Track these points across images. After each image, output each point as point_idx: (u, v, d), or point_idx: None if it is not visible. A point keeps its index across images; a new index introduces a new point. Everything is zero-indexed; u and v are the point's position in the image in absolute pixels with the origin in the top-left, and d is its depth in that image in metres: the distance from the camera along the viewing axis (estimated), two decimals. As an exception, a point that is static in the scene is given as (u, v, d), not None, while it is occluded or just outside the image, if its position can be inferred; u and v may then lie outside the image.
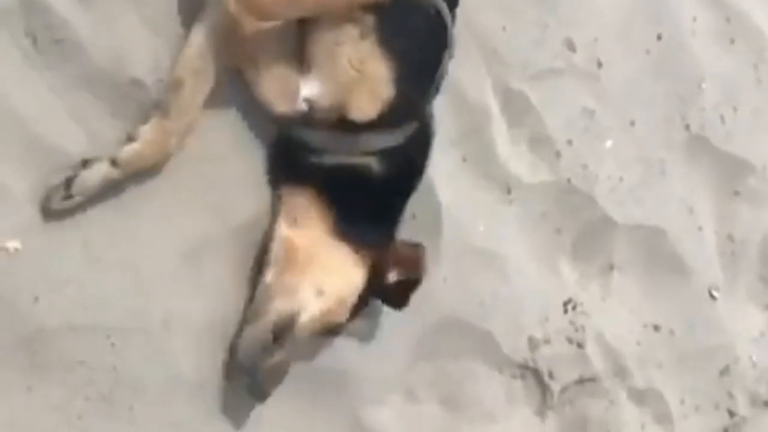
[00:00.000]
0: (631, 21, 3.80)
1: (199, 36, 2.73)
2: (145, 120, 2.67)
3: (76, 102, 2.67)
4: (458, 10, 3.14)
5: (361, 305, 2.90)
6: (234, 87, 2.85)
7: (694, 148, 3.94)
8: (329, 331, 2.87)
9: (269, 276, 2.75)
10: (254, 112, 2.87)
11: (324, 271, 2.79)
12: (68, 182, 2.57)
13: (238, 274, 2.90)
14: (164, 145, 2.68)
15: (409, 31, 2.72)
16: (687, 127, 3.91)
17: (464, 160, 3.37)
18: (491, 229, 3.34)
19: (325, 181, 2.82)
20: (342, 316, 2.84)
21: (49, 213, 2.58)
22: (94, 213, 2.66)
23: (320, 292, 2.76)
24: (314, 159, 2.84)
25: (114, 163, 2.61)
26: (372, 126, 2.77)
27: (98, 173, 2.60)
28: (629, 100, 3.77)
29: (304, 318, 2.73)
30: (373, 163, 2.85)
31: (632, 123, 3.76)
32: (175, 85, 2.69)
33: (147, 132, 2.65)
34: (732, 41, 4.10)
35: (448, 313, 3.25)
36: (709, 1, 4.05)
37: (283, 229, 2.81)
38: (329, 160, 2.85)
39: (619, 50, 3.75)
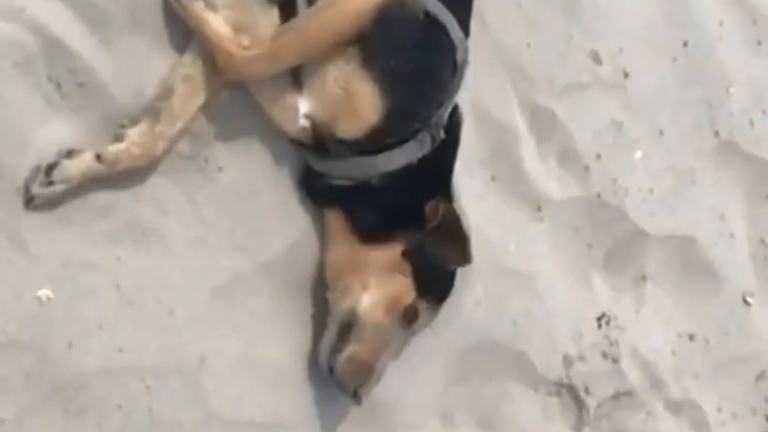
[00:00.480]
0: (656, 29, 3.72)
1: (194, 46, 2.70)
2: (134, 123, 2.62)
3: (100, 144, 2.61)
4: (482, 31, 3.10)
5: (422, 282, 2.85)
6: (257, 123, 2.80)
7: (723, 154, 3.87)
8: (408, 316, 2.83)
9: (328, 293, 2.86)
10: (278, 148, 2.86)
11: (365, 269, 2.82)
12: (49, 168, 2.51)
13: (270, 308, 2.89)
14: (151, 149, 2.63)
15: (394, 44, 2.66)
16: (716, 133, 3.84)
17: (493, 179, 3.32)
18: (522, 248, 3.28)
19: (341, 200, 2.85)
20: (405, 296, 2.83)
21: (29, 199, 2.51)
22: (125, 255, 2.62)
23: (365, 285, 2.80)
24: (328, 182, 2.85)
25: (99, 157, 2.56)
26: (367, 144, 2.73)
27: (81, 164, 2.54)
28: (657, 110, 3.70)
29: (362, 308, 2.77)
30: (381, 180, 2.82)
31: (661, 132, 3.68)
32: (166, 92, 2.65)
33: (135, 134, 2.60)
34: (759, 43, 4.02)
35: (482, 335, 3.21)
36: (735, 4, 3.96)
37: (326, 250, 2.91)
38: (341, 182, 2.85)
39: (645, 59, 3.68)
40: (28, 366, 2.50)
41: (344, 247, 2.88)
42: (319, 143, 2.79)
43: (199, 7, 2.66)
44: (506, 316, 3.27)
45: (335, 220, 2.89)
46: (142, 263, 2.67)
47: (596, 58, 3.55)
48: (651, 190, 3.64)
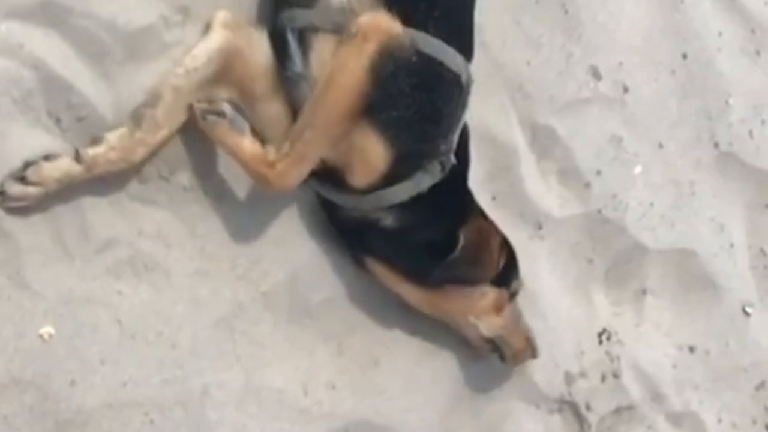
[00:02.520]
0: (655, 42, 3.67)
1: (192, 61, 2.64)
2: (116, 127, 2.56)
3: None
4: (482, 50, 3.05)
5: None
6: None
7: (723, 166, 3.82)
8: (512, 299, 3.05)
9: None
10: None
11: (454, 305, 3.00)
12: (26, 165, 2.47)
13: (271, 337, 2.86)
14: (130, 154, 2.57)
15: (394, 95, 2.61)
16: (716, 145, 3.79)
17: (494, 198, 3.28)
18: (523, 266, 3.22)
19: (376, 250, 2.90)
20: (498, 296, 2.99)
21: (3, 199, 2.46)
22: (126, 289, 2.59)
23: (469, 319, 3.01)
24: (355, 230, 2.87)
25: (77, 158, 2.50)
26: (377, 185, 2.73)
27: (59, 166, 2.49)
28: (657, 123, 3.65)
29: (486, 332, 3.02)
30: (394, 216, 2.82)
31: (661, 146, 3.64)
32: (153, 99, 2.60)
33: (114, 138, 2.55)
34: (758, 53, 3.97)
35: (485, 355, 3.14)
36: (734, 15, 3.90)
37: (402, 297, 3.00)
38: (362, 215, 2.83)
39: (645, 73, 3.62)
40: (31, 403, 2.47)
41: (415, 294, 2.95)
42: (326, 176, 2.77)
43: (225, 131, 2.63)
44: (508, 336, 3.21)
45: (384, 271, 2.92)
46: (143, 297, 2.64)
47: (596, 74, 3.49)
48: (651, 204, 3.59)
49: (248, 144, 2.62)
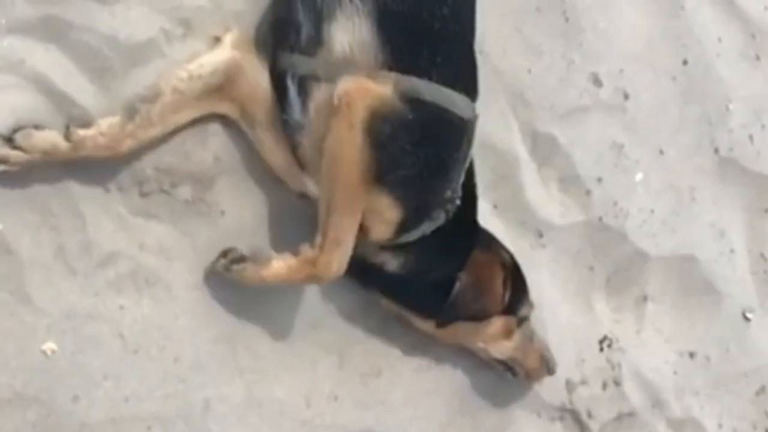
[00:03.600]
0: (655, 48, 3.66)
1: (197, 68, 2.65)
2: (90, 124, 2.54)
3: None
4: (482, 58, 3.04)
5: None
6: (257, 167, 2.77)
7: (723, 171, 3.81)
8: (522, 324, 3.06)
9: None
10: (279, 190, 2.82)
11: (465, 336, 3.04)
12: (15, 129, 2.47)
13: (273, 350, 2.86)
14: (117, 143, 2.56)
15: (397, 154, 2.58)
16: (716, 150, 3.78)
17: (495, 207, 3.28)
18: (525, 275, 3.22)
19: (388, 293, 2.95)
20: (507, 322, 3.02)
21: None
22: (129, 303, 2.58)
23: (480, 346, 3.07)
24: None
25: (66, 135, 2.49)
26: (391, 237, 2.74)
27: (47, 137, 2.49)
28: (657, 129, 3.64)
29: (498, 356, 3.09)
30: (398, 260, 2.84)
31: (661, 152, 3.63)
32: (151, 96, 2.59)
33: (105, 124, 2.54)
34: (758, 58, 3.96)
35: (485, 366, 3.15)
36: (733, 20, 3.89)
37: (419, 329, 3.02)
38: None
39: (645, 79, 3.61)
40: (35, 419, 2.48)
41: (426, 327, 2.96)
42: None
43: (254, 270, 2.65)
44: (509, 345, 3.21)
45: (395, 308, 2.95)
46: (145, 311, 2.64)
47: (596, 81, 3.49)
48: (652, 211, 3.59)
49: (282, 264, 2.64)
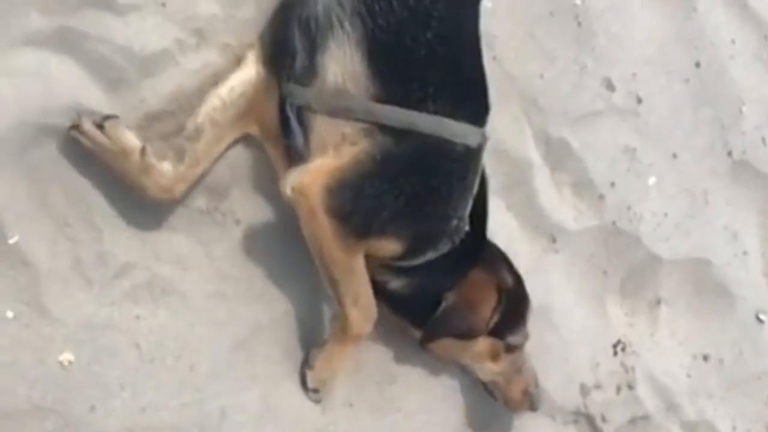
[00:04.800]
0: (669, 51, 3.63)
1: (229, 94, 2.64)
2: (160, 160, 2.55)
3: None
4: (495, 64, 3.02)
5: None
6: (271, 176, 2.75)
7: (737, 174, 3.79)
8: (511, 350, 2.98)
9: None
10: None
11: (455, 351, 2.98)
12: (108, 116, 2.52)
13: (289, 356, 2.85)
14: (173, 186, 2.59)
15: (370, 205, 2.55)
16: (729, 153, 3.76)
17: (508, 211, 3.25)
18: (538, 280, 3.22)
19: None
20: (495, 344, 2.94)
21: (74, 126, 2.50)
22: (145, 313, 2.57)
23: (467, 364, 3.04)
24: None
25: (142, 151, 2.53)
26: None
27: (128, 139, 2.53)
28: (670, 133, 3.62)
29: (483, 377, 3.05)
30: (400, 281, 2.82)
31: (674, 156, 3.61)
32: (195, 134, 2.60)
33: (165, 166, 2.56)
34: (771, 59, 3.92)
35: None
36: (746, 22, 3.86)
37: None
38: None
39: (658, 83, 3.59)
40: (52, 430, 2.48)
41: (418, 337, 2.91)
42: None
43: (323, 370, 2.80)
44: (524, 351, 3.19)
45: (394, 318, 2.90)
46: (161, 320, 2.62)
47: (609, 86, 3.46)
48: (665, 215, 3.57)
49: (333, 349, 2.78)
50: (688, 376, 3.63)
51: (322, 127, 2.56)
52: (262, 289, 2.79)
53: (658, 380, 3.53)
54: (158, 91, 2.63)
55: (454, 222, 2.67)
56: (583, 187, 3.40)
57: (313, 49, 2.54)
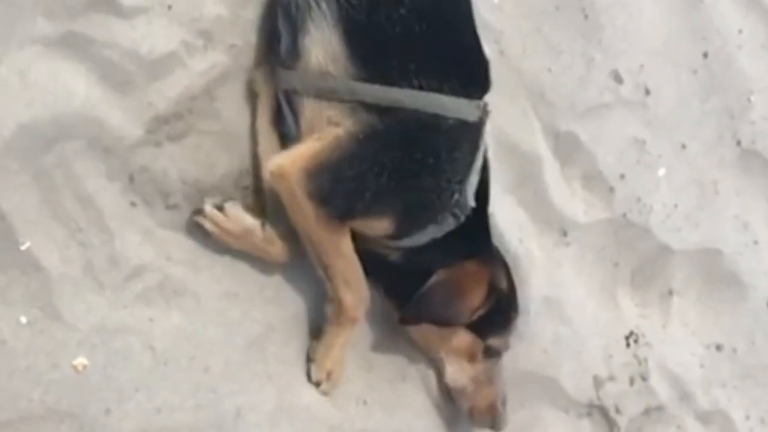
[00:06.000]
0: (676, 42, 3.59)
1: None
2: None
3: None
4: (502, 59, 3.00)
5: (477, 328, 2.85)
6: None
7: (746, 163, 3.76)
8: (491, 354, 2.89)
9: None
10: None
11: (432, 341, 2.92)
12: (225, 199, 2.61)
13: (302, 355, 2.81)
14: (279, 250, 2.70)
15: (351, 187, 2.54)
16: (738, 143, 3.72)
17: (519, 206, 3.21)
18: (549, 274, 3.20)
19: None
20: (475, 343, 2.87)
21: (197, 211, 2.60)
22: (158, 315, 2.55)
23: (441, 359, 2.93)
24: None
25: (263, 227, 2.65)
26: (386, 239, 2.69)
27: (248, 219, 2.64)
28: (679, 124, 3.58)
29: (450, 379, 2.94)
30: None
31: (683, 146, 3.57)
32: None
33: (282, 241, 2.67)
34: (780, 48, 3.87)
35: (512, 365, 3.10)
36: (753, 12, 3.83)
37: None
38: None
39: (666, 74, 3.55)
40: (67, 434, 2.42)
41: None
42: None
43: (324, 364, 2.78)
44: (537, 345, 3.18)
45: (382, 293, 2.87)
46: (174, 322, 2.60)
47: (617, 78, 3.43)
48: (675, 206, 3.53)
49: (332, 335, 2.76)
50: (701, 366, 3.60)
51: (310, 110, 2.56)
52: (274, 290, 2.77)
53: (671, 371, 3.50)
54: (166, 93, 2.60)
55: (450, 194, 2.62)
56: (593, 179, 3.37)
57: (295, 32, 2.55)
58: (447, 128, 2.56)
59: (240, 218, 2.60)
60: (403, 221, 2.60)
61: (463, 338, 2.83)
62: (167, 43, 2.60)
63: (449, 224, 2.66)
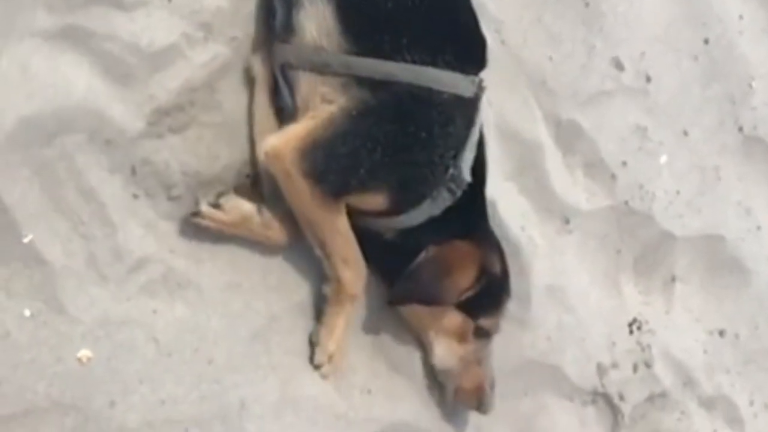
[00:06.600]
0: (677, 28, 3.58)
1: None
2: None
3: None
4: (503, 48, 2.98)
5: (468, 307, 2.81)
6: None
7: (748, 149, 3.74)
8: (481, 334, 2.85)
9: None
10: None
11: (422, 320, 2.87)
12: (220, 194, 2.60)
13: (306, 346, 2.80)
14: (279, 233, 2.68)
15: (350, 157, 2.52)
16: (740, 129, 3.70)
17: (520, 194, 3.19)
18: (552, 262, 3.18)
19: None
20: (465, 323, 2.82)
21: (195, 213, 2.58)
22: (161, 307, 2.53)
23: (430, 338, 2.88)
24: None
25: (259, 212, 2.63)
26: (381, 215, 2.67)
27: (246, 206, 2.63)
28: (681, 110, 3.56)
29: (437, 360, 2.88)
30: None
31: (685, 133, 3.55)
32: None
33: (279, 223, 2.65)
34: (780, 33, 3.85)
35: (516, 354, 3.11)
36: (755, -3, 3.77)
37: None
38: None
39: (667, 61, 3.53)
40: (72, 426, 2.42)
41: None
42: None
43: (328, 343, 2.75)
44: (540, 333, 3.16)
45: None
46: (178, 314, 2.58)
47: (618, 65, 3.41)
48: (677, 192, 3.51)
49: (333, 315, 2.73)
50: (705, 352, 3.59)
51: (305, 86, 2.56)
52: (277, 280, 2.74)
53: (674, 357, 3.48)
54: (167, 85, 2.58)
55: (444, 169, 2.59)
56: (595, 167, 3.36)
57: (290, 6, 2.56)
58: (441, 102, 2.55)
59: (237, 208, 2.59)
60: (397, 196, 2.59)
61: (453, 318, 2.79)
62: (167, 35, 2.58)
63: (445, 200, 2.63)
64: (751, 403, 3.67)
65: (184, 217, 2.58)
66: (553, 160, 3.24)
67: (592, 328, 3.27)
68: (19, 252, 2.36)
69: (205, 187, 2.61)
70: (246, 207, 2.60)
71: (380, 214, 2.64)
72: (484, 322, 2.81)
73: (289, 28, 2.56)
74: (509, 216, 3.11)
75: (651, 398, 3.41)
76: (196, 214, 2.56)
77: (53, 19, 2.44)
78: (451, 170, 2.59)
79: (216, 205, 2.57)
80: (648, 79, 3.46)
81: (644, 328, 3.41)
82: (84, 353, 2.43)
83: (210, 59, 2.63)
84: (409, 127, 2.53)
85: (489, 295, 2.79)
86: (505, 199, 3.10)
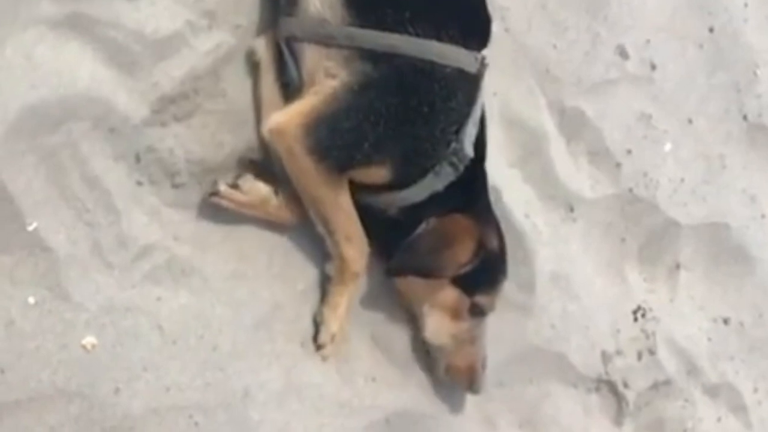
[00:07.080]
0: (682, 16, 3.55)
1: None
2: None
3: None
4: (507, 35, 2.96)
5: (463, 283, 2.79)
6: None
7: (753, 137, 3.72)
8: (476, 311, 2.82)
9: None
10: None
11: (416, 294, 2.85)
12: (238, 175, 2.60)
13: (310, 333, 2.79)
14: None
15: (354, 132, 2.51)
16: (745, 117, 3.68)
17: (525, 182, 3.18)
18: (556, 250, 3.16)
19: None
20: (460, 300, 2.79)
21: (214, 192, 2.59)
22: (166, 295, 2.52)
23: (423, 312, 2.84)
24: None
25: (276, 193, 2.65)
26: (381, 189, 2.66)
27: (262, 188, 2.64)
28: (685, 98, 3.54)
29: (428, 334, 2.84)
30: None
31: (690, 121, 3.53)
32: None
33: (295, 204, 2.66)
34: (785, 21, 3.82)
35: (521, 341, 3.10)
36: (760, -16, 3.74)
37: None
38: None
39: (672, 49, 3.51)
40: (77, 413, 2.41)
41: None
42: None
43: (334, 320, 2.75)
44: (545, 320, 3.14)
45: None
46: (182, 301, 2.56)
47: (623, 53, 3.39)
48: (682, 180, 3.49)
49: (337, 293, 2.73)
50: (709, 339, 3.57)
51: (310, 60, 2.55)
52: (281, 268, 2.73)
53: (678, 345, 3.47)
54: (171, 73, 2.56)
55: (446, 143, 2.59)
56: (599, 155, 3.34)
57: None
58: (443, 76, 2.54)
59: (255, 189, 2.61)
60: (401, 169, 2.58)
61: (449, 293, 2.77)
62: (172, 23, 2.56)
63: (448, 174, 2.62)
64: (755, 391, 3.66)
65: (203, 197, 2.58)
66: (557, 147, 3.22)
67: (596, 315, 3.25)
68: (23, 240, 2.35)
69: (209, 175, 2.59)
70: (264, 189, 2.61)
71: (383, 189, 2.63)
72: (480, 299, 2.79)
73: (293, 1, 2.55)
74: (513, 204, 3.09)
75: (655, 386, 3.40)
76: (215, 193, 2.56)
77: (57, 7, 2.42)
78: (453, 144, 2.58)
79: (234, 186, 2.57)
80: (653, 67, 3.44)
81: (648, 315, 3.40)
82: (89, 340, 2.42)
83: (214, 47, 2.62)
84: (411, 101, 2.52)
85: (486, 272, 2.77)
86: (510, 187, 3.08)
